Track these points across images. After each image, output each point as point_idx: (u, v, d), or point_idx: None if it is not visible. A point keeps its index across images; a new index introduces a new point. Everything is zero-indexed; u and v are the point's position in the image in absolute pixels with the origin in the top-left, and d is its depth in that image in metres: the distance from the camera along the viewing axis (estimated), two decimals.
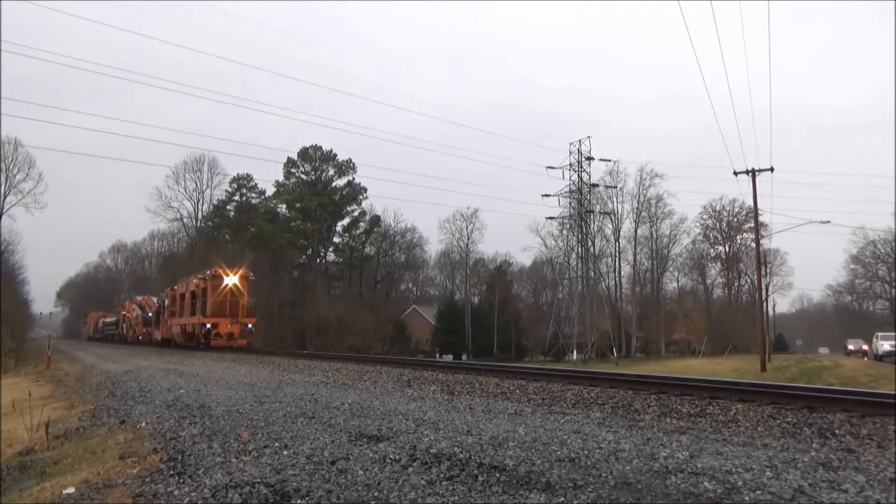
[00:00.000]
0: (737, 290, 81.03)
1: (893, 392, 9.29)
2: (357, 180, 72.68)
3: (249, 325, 30.12)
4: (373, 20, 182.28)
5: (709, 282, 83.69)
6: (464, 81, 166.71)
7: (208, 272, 30.17)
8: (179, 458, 5.43)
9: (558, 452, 5.12)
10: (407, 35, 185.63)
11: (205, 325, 29.12)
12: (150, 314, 44.55)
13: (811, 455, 5.16)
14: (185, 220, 73.87)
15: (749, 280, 77.11)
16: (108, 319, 62.91)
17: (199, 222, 73.51)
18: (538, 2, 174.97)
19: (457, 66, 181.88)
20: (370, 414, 7.53)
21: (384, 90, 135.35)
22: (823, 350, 70.70)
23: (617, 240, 73.74)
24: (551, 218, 67.07)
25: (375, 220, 74.30)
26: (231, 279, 29.38)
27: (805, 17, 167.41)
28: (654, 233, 75.89)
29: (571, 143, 65.19)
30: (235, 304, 29.31)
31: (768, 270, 68.69)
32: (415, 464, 4.86)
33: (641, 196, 73.58)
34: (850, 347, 53.26)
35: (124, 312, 54.12)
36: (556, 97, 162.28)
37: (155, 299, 44.45)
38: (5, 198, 58.21)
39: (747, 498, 3.87)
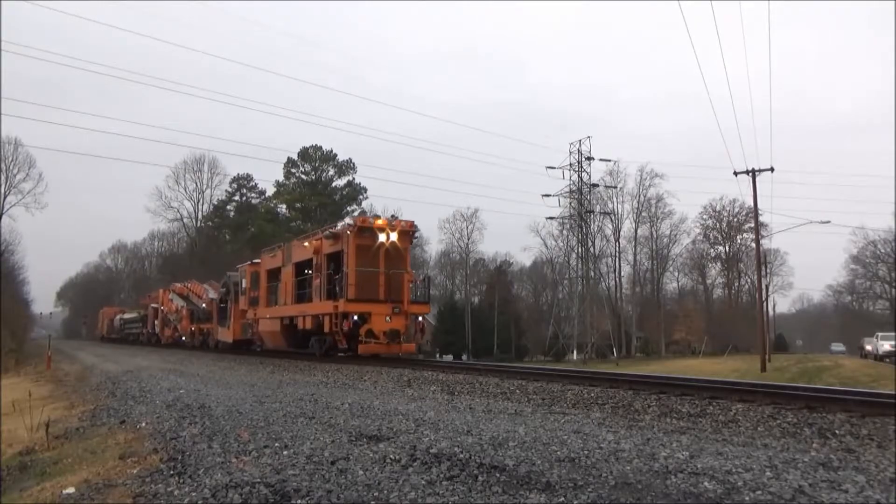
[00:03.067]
0: (737, 290, 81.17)
1: (893, 392, 9.29)
2: (357, 180, 72.82)
3: (420, 318, 18.58)
4: (371, 21, 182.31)
5: (709, 282, 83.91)
6: (464, 81, 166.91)
7: (347, 221, 18.18)
8: (179, 458, 5.43)
9: (558, 452, 5.12)
10: (407, 35, 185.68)
11: (349, 316, 16.78)
12: (203, 305, 32.19)
13: (811, 455, 5.16)
14: (185, 220, 74.17)
15: (749, 280, 77.26)
16: (127, 316, 53.44)
17: (199, 222, 73.69)
18: (538, 2, 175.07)
19: (457, 67, 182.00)
20: (370, 414, 7.53)
21: (384, 91, 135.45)
22: (838, 347, 64.81)
23: (617, 240, 73.97)
24: (551, 218, 67.24)
25: None
26: (389, 235, 17.52)
27: (806, 18, 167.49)
28: (654, 233, 76.15)
29: (571, 143, 65.35)
30: (398, 281, 17.65)
31: (768, 270, 68.80)
32: (415, 464, 4.86)
33: (641, 196, 73.88)
34: (868, 348, 45.67)
35: (155, 305, 41.75)
36: (557, 97, 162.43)
37: (206, 287, 32.57)
38: (5, 198, 58.43)
39: (747, 498, 3.87)
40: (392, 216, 18.42)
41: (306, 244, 19.78)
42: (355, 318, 16.78)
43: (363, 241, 17.39)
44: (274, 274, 22.60)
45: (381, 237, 17.39)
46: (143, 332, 45.56)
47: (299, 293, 20.30)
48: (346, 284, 16.97)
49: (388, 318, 17.07)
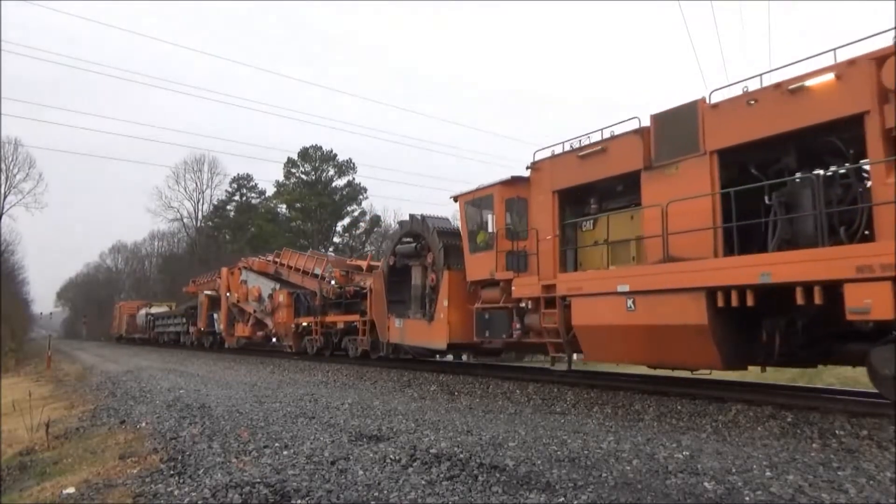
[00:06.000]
0: None
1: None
2: (357, 180, 72.77)
3: None
4: (372, 21, 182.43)
5: None
6: (464, 82, 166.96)
7: None
8: (179, 458, 5.43)
9: (558, 452, 5.12)
10: (407, 36, 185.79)
11: None
12: (332, 282, 18.39)
13: (811, 455, 5.16)
14: (185, 220, 74.06)
15: None
16: (156, 310, 41.97)
17: (199, 222, 73.66)
18: (538, 2, 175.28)
19: (457, 67, 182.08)
20: (370, 414, 7.54)
21: (384, 91, 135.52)
22: None
23: None
24: None
25: (376, 220, 74.26)
26: None
27: (806, 18, 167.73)
28: None
29: (571, 142, 65.21)
30: None
31: None
32: (415, 464, 4.86)
33: None
34: None
35: (210, 292, 28.93)
36: (557, 97, 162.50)
37: (313, 260, 20.49)
38: (5, 198, 58.21)
39: (747, 498, 3.87)
40: None
41: (810, 84, 7.41)
42: None
43: None
44: (591, 194, 10.48)
45: None
46: (189, 332, 32.66)
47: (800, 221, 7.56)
48: None
49: None
